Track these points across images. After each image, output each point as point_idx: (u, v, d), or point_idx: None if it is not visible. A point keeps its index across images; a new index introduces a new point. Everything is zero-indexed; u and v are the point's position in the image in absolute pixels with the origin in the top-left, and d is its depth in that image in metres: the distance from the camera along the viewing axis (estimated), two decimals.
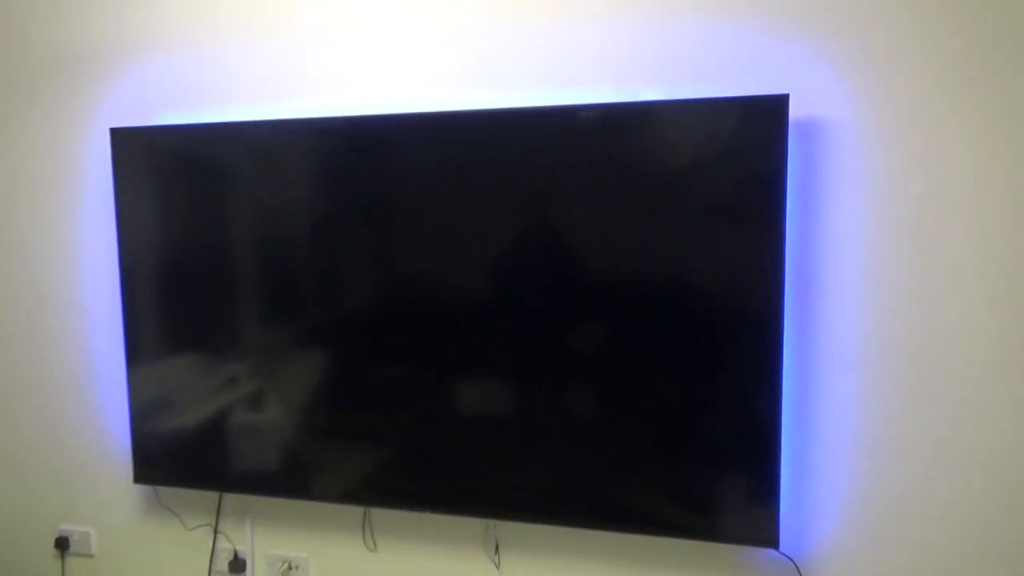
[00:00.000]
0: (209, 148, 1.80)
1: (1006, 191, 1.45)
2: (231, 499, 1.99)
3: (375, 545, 1.90)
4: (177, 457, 1.92)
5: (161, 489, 2.03)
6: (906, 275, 1.52)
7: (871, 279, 1.54)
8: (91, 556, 2.13)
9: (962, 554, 1.54)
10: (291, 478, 1.84)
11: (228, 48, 1.86)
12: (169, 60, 1.91)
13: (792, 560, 1.62)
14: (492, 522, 1.79)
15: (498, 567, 1.81)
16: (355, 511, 1.90)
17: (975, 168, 1.46)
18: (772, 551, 1.63)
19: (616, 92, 1.63)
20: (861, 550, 1.59)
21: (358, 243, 1.74)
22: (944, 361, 1.51)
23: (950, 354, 1.51)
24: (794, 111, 1.53)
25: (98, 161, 1.98)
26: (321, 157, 1.73)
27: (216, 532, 2.01)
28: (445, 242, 1.68)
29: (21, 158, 2.05)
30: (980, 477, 1.52)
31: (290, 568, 1.96)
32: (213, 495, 1.99)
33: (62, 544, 2.12)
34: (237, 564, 1.99)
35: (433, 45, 1.74)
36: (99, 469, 2.08)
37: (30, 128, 2.03)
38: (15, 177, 2.06)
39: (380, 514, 1.88)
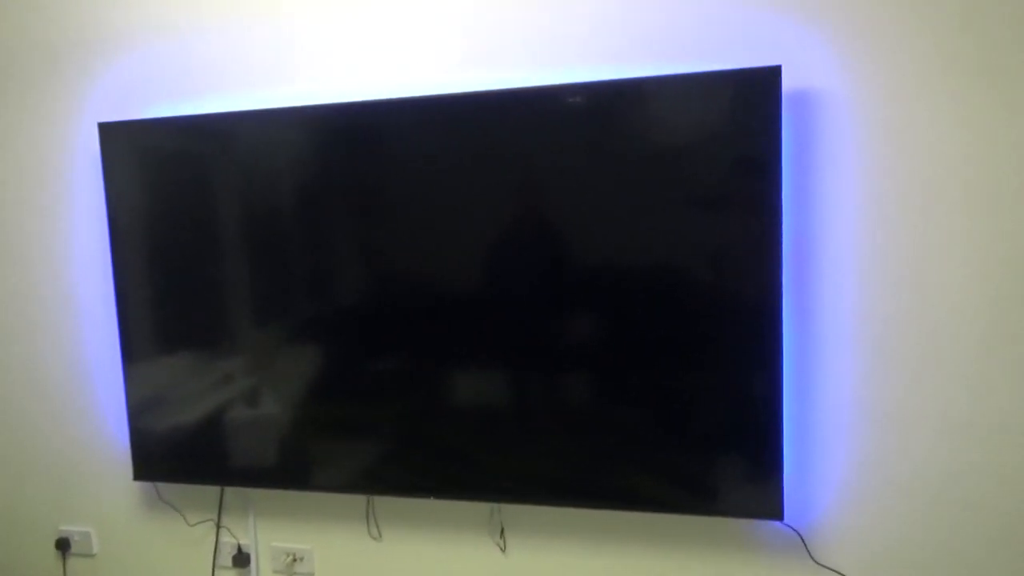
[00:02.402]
0: (200, 140, 1.79)
1: (1003, 163, 1.46)
2: (233, 493, 1.98)
3: (379, 534, 1.89)
4: (176, 453, 1.90)
5: (161, 485, 2.02)
6: (903, 249, 1.52)
7: (868, 254, 1.54)
8: (92, 556, 2.11)
9: (963, 524, 1.55)
10: (292, 470, 1.83)
11: (215, 37, 1.85)
12: (156, 51, 1.89)
13: (797, 531, 1.63)
14: (497, 506, 1.79)
15: (503, 550, 1.81)
16: (358, 501, 1.89)
17: (971, 139, 1.47)
18: (777, 523, 1.63)
19: (607, 69, 1.62)
20: (864, 520, 1.60)
21: (351, 234, 1.73)
22: (942, 335, 1.52)
23: (948, 328, 1.52)
24: (787, 83, 1.53)
25: (87, 156, 1.97)
26: (312, 146, 1.72)
27: (219, 527, 2.00)
28: (438, 230, 1.67)
29: (8, 155, 2.02)
30: (979, 448, 1.53)
31: (295, 560, 1.95)
32: (214, 490, 1.98)
33: (63, 545, 2.11)
34: (241, 558, 1.98)
35: (422, 27, 1.73)
36: (98, 468, 2.07)
37: (16, 124, 2.00)
38: (3, 175, 2.03)
39: (383, 502, 1.88)
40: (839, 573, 1.62)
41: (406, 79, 1.74)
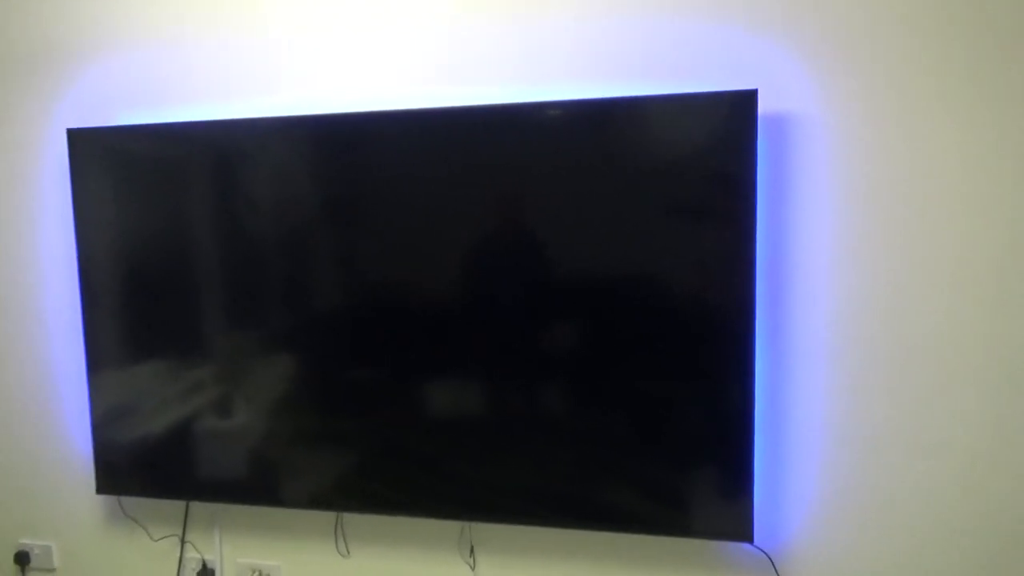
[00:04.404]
0: (171, 149, 1.76)
1: (976, 185, 1.47)
2: (199, 508, 1.94)
3: (348, 551, 1.87)
4: (141, 466, 1.87)
5: (125, 499, 1.98)
6: (876, 269, 1.53)
7: (842, 274, 1.55)
8: (53, 570, 2.06)
9: (934, 544, 1.56)
10: (260, 485, 1.80)
11: (191, 45, 1.82)
12: (130, 57, 1.86)
13: (766, 553, 1.63)
14: (467, 524, 1.78)
15: (473, 569, 1.79)
16: (327, 517, 1.86)
17: (944, 161, 1.48)
18: (747, 545, 1.63)
19: (586, 88, 1.62)
20: (835, 542, 1.60)
21: (326, 244, 1.71)
22: (914, 355, 1.53)
23: (920, 348, 1.53)
24: (763, 106, 1.53)
25: (55, 163, 1.93)
26: (287, 156, 1.70)
27: (183, 542, 1.96)
28: (414, 242, 1.66)
29: None
30: (950, 468, 1.54)
31: None
32: (180, 504, 1.94)
33: (22, 559, 2.06)
34: (206, 574, 1.94)
35: (403, 41, 1.72)
36: (60, 480, 2.02)
37: None
38: None
39: (353, 519, 1.85)
40: None
41: (387, 92, 1.73)
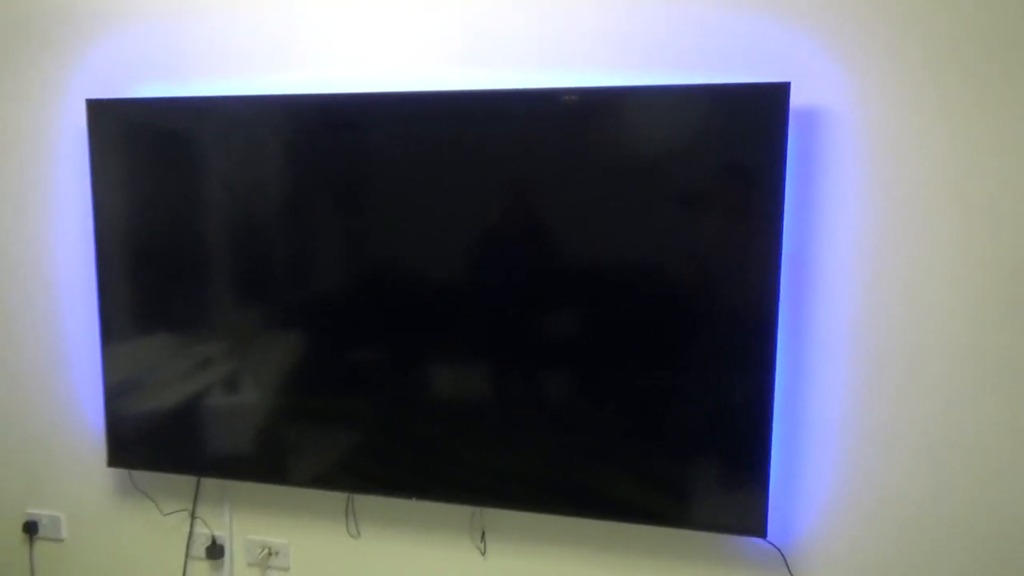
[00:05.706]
0: (189, 122, 1.74)
1: (1004, 186, 1.46)
2: (209, 483, 1.94)
3: (358, 531, 1.87)
4: (153, 440, 1.86)
5: (136, 473, 1.98)
6: (900, 269, 1.52)
7: (865, 272, 1.54)
8: (61, 541, 2.07)
9: (946, 543, 1.56)
10: (270, 462, 1.80)
11: (211, 18, 1.80)
12: (150, 28, 1.83)
13: (779, 549, 1.63)
14: (478, 509, 1.78)
15: (483, 554, 1.80)
16: (338, 497, 1.86)
17: (973, 161, 1.47)
18: (759, 540, 1.63)
19: (612, 77, 1.60)
20: (847, 539, 1.60)
21: (337, 224, 1.70)
22: (933, 356, 1.52)
23: (939, 349, 1.52)
24: (792, 100, 1.51)
25: (73, 133, 1.91)
26: (301, 135, 1.68)
27: (193, 517, 1.96)
28: (424, 224, 1.64)
29: None
30: (964, 469, 1.53)
31: (270, 554, 1.92)
32: (191, 479, 1.94)
33: (30, 528, 2.06)
34: (215, 550, 1.94)
35: (419, 23, 1.69)
36: (70, 452, 2.02)
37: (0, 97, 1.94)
38: None
39: (364, 500, 1.85)
40: None
41: (401, 73, 1.71)
